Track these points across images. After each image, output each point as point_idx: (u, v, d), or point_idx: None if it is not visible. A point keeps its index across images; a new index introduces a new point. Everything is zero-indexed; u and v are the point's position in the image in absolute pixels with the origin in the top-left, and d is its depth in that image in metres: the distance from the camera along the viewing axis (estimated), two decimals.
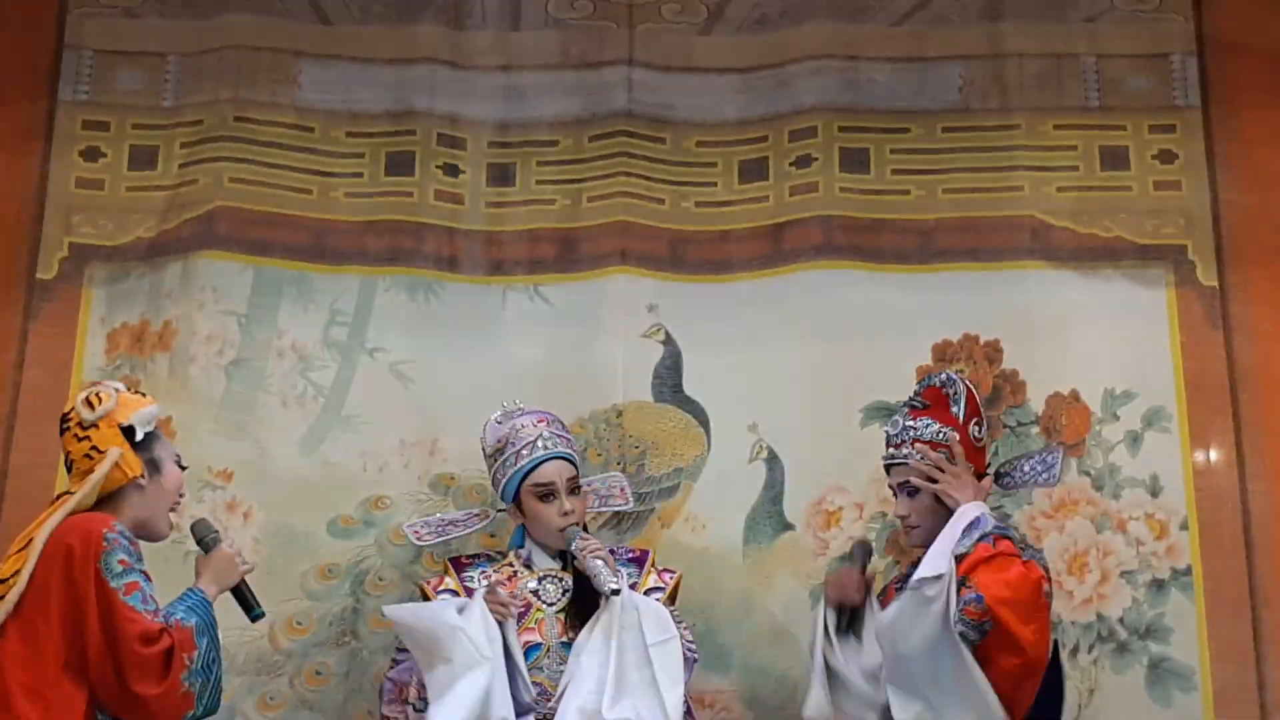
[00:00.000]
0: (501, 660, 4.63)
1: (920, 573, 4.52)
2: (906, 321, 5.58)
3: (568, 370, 5.60)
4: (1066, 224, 5.64)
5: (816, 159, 5.74)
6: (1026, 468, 4.90)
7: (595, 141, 5.83)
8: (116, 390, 4.49)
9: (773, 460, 5.55)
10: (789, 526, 5.48)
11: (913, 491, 4.79)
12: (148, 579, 4.26)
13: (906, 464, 4.80)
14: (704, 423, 5.60)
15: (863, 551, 4.91)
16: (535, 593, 4.91)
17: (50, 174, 5.77)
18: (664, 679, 4.60)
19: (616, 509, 5.25)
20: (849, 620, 4.81)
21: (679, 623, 4.84)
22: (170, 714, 4.22)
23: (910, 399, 4.91)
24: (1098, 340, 5.52)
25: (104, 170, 5.81)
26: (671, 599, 4.94)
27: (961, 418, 4.83)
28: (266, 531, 5.48)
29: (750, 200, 5.77)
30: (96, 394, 4.47)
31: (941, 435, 4.80)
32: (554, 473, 4.93)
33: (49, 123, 5.81)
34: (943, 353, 5.52)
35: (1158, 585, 5.35)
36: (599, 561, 4.73)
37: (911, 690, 4.50)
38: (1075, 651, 5.28)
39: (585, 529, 4.97)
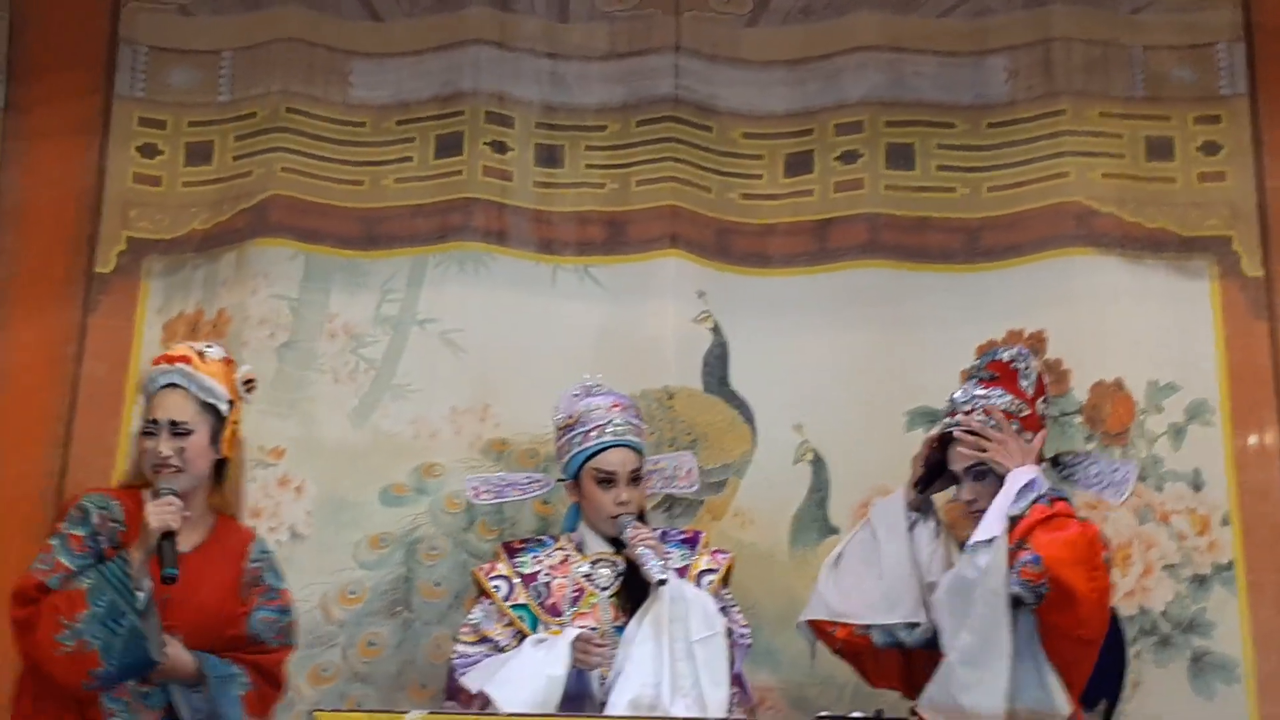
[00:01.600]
0: (554, 683, 4.62)
1: (975, 537, 4.50)
2: (952, 322, 5.57)
3: (619, 346, 5.62)
4: (1112, 210, 5.61)
5: (862, 154, 5.75)
6: (1094, 471, 4.79)
7: (642, 126, 5.85)
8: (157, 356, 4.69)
9: (818, 463, 5.57)
10: (834, 530, 5.50)
11: (980, 474, 4.68)
12: (67, 543, 4.41)
13: (975, 432, 4.69)
14: (749, 419, 5.63)
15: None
16: (588, 577, 4.91)
17: (107, 169, 5.84)
18: (706, 678, 4.59)
19: (681, 492, 5.23)
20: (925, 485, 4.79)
21: (731, 605, 4.86)
22: (58, 672, 4.31)
23: (976, 370, 4.82)
24: (1142, 329, 5.51)
25: (160, 167, 5.88)
26: (724, 581, 4.94)
27: (1031, 392, 4.75)
28: (318, 503, 5.52)
29: (795, 194, 5.78)
30: None
31: (1015, 406, 4.70)
32: (617, 461, 4.91)
33: (105, 117, 5.87)
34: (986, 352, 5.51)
35: (1200, 580, 5.35)
36: (649, 551, 4.73)
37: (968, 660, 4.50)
38: None
39: (642, 516, 4.95)
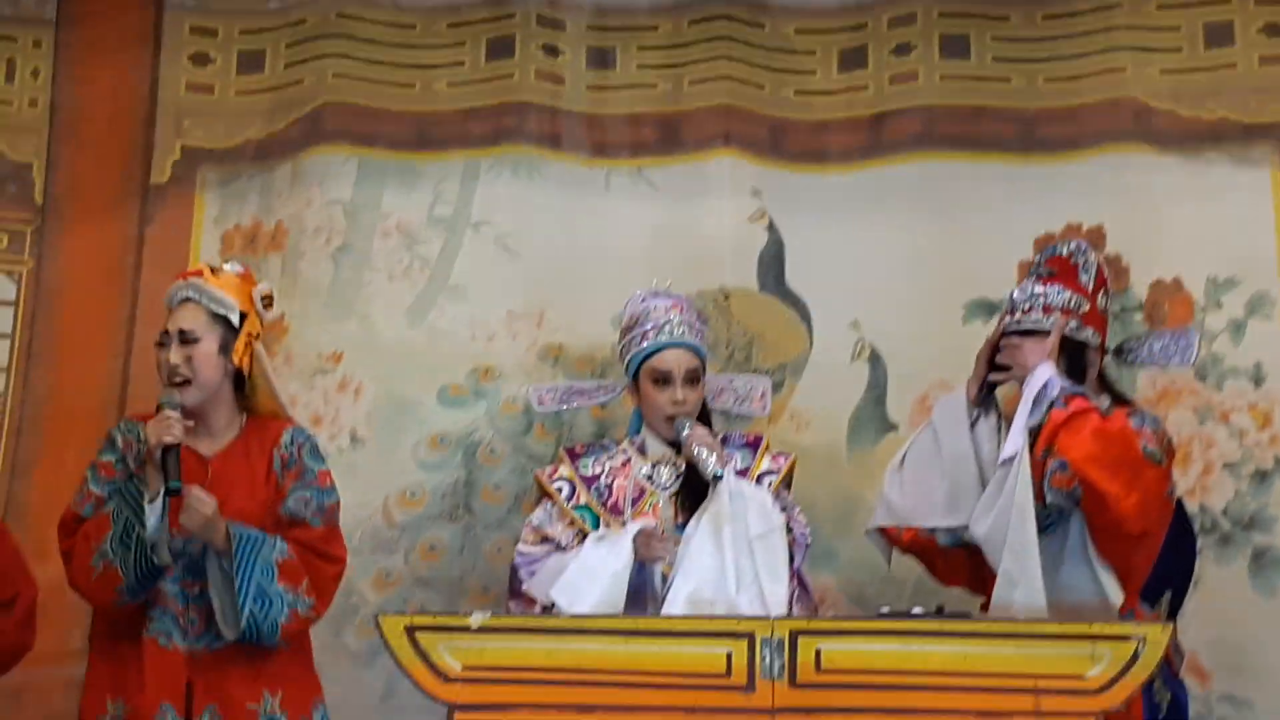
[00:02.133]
0: (619, 578, 4.64)
1: (1003, 455, 4.50)
2: (1008, 214, 5.55)
3: (674, 247, 5.61)
4: (1170, 107, 5.56)
5: (916, 47, 5.71)
6: (1158, 346, 4.79)
7: (694, 26, 5.82)
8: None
9: (875, 360, 5.57)
10: (893, 427, 5.50)
11: None
12: (97, 471, 4.54)
13: (1036, 330, 4.67)
14: (806, 318, 5.62)
15: None
16: (649, 478, 4.91)
17: (160, 79, 5.85)
18: (765, 574, 4.59)
19: (749, 414, 5.16)
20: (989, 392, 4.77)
21: (792, 506, 4.86)
22: (95, 594, 4.45)
23: (1035, 267, 4.81)
24: (1200, 226, 5.46)
25: (213, 75, 5.89)
26: (786, 483, 4.93)
27: (1090, 287, 4.73)
28: (377, 405, 5.55)
29: (849, 89, 5.75)
30: None
31: (1075, 302, 4.70)
32: (673, 360, 4.88)
33: (157, 27, 5.87)
34: (1044, 245, 5.35)
35: (1261, 476, 5.33)
36: (705, 449, 4.72)
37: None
38: None
39: (706, 418, 4.95)
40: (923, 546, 4.83)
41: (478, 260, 5.69)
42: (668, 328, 4.93)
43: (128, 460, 4.55)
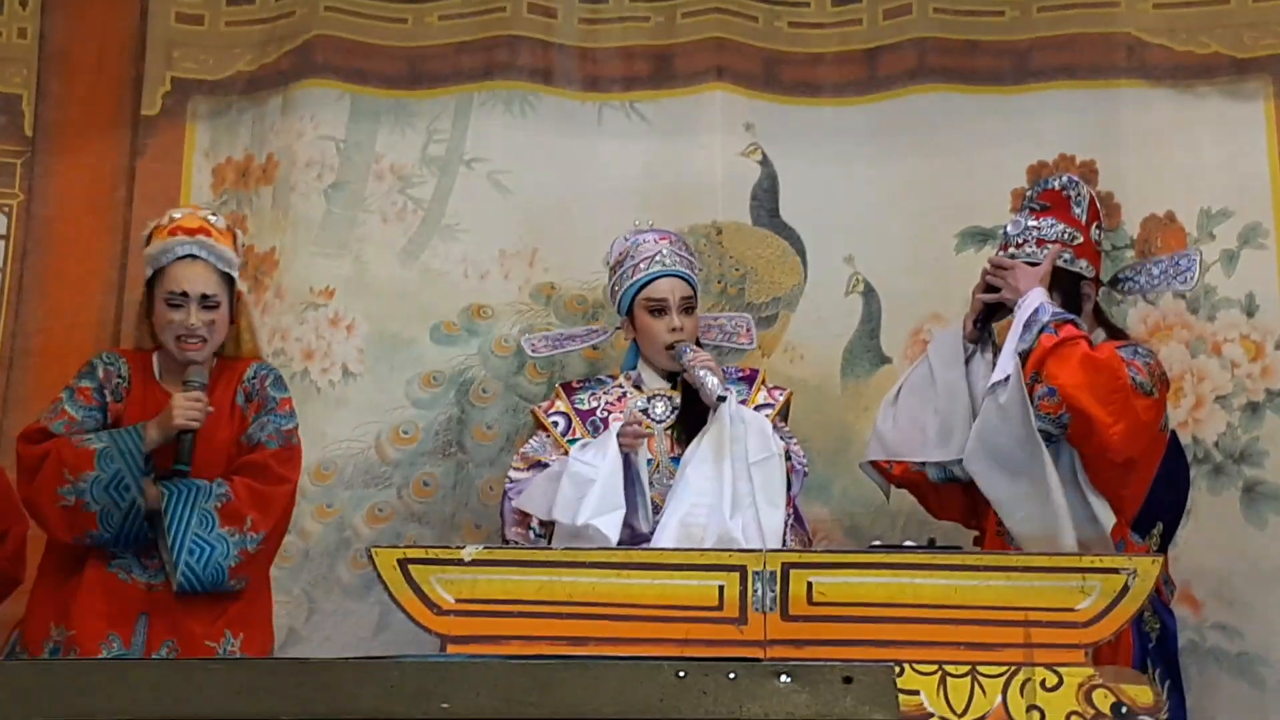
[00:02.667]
0: (613, 475, 4.67)
1: (992, 378, 4.51)
2: (1001, 144, 5.53)
3: (666, 183, 5.61)
4: (1163, 41, 5.53)
5: None
6: (1156, 270, 4.81)
7: None
8: (157, 223, 4.74)
9: (869, 294, 5.56)
10: (886, 360, 5.51)
11: None
12: (74, 394, 4.59)
13: (1031, 263, 4.68)
14: (800, 251, 5.61)
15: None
16: (645, 411, 4.93)
17: (149, 10, 5.80)
18: (762, 500, 4.59)
19: (739, 348, 5.21)
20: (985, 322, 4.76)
21: (789, 438, 4.86)
22: (54, 523, 4.49)
23: (1028, 201, 4.81)
24: (1194, 159, 5.44)
25: (203, 6, 5.85)
26: (783, 416, 4.95)
27: (1084, 219, 4.74)
28: (370, 341, 5.56)
29: (843, 23, 5.72)
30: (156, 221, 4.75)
31: (1069, 235, 4.70)
32: (667, 289, 4.91)
33: None
34: (1038, 174, 5.43)
35: (1253, 408, 5.32)
36: (707, 371, 4.73)
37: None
38: None
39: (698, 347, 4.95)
40: (914, 481, 4.85)
41: (470, 198, 5.68)
42: (659, 258, 4.95)
43: (104, 392, 4.61)
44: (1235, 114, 5.48)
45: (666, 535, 4.57)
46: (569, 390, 5.05)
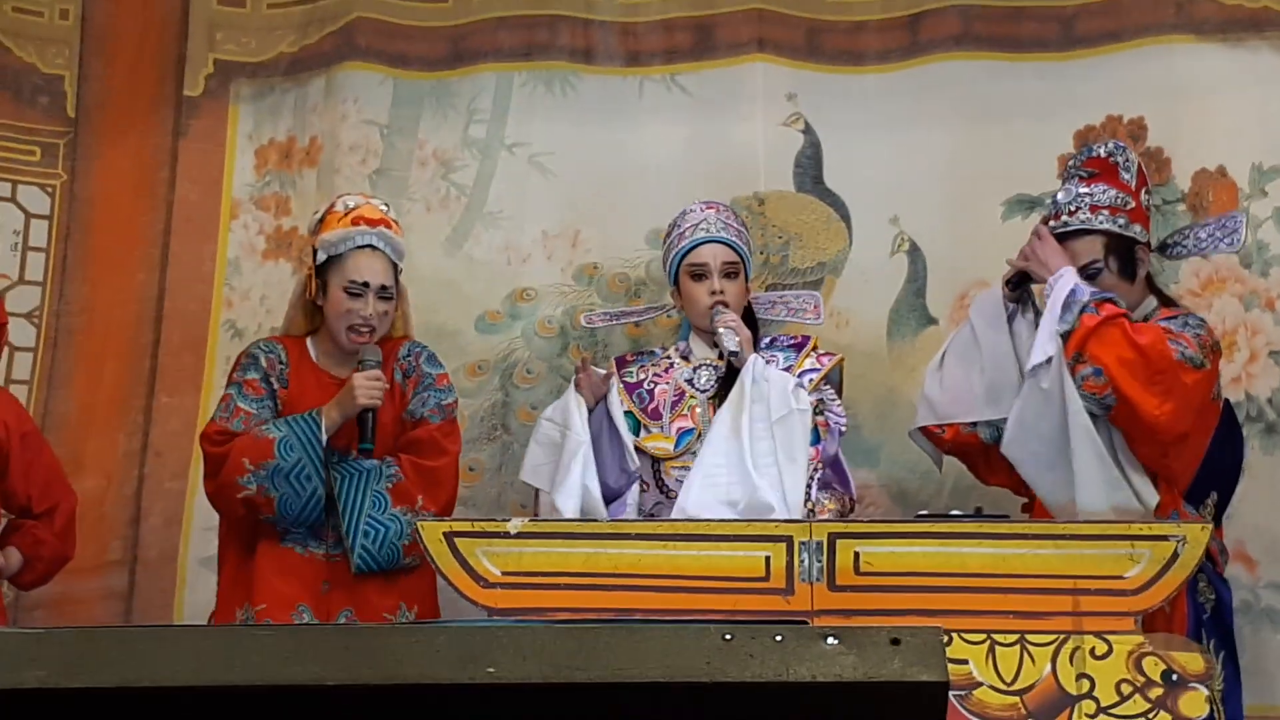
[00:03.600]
0: (574, 442, 4.73)
1: (1031, 360, 4.44)
2: (1047, 110, 5.47)
3: (708, 157, 5.58)
4: None
5: None
6: (1204, 234, 4.75)
7: None
8: (329, 208, 4.80)
9: (914, 253, 5.52)
10: (932, 320, 5.47)
11: (1093, 274, 4.59)
12: (243, 389, 4.67)
13: (1085, 230, 4.63)
14: (845, 216, 5.57)
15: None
16: (690, 381, 4.92)
17: None
18: (783, 456, 4.59)
19: (807, 322, 5.13)
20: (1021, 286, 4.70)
21: (831, 400, 4.82)
22: (239, 508, 4.59)
23: (1074, 169, 4.75)
24: (1244, 114, 5.36)
25: None
26: (832, 382, 4.89)
27: (1134, 184, 4.69)
28: (415, 332, 5.51)
29: None
30: (328, 205, 4.83)
31: (1120, 200, 4.65)
32: (709, 254, 4.90)
33: None
34: (1085, 138, 5.38)
35: None
36: (727, 330, 4.74)
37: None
38: None
39: (752, 320, 4.95)
40: (965, 446, 4.80)
41: (512, 182, 5.67)
42: (703, 225, 4.95)
43: (271, 380, 4.71)
44: None
45: (691, 497, 4.58)
46: (620, 364, 5.06)
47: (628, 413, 4.93)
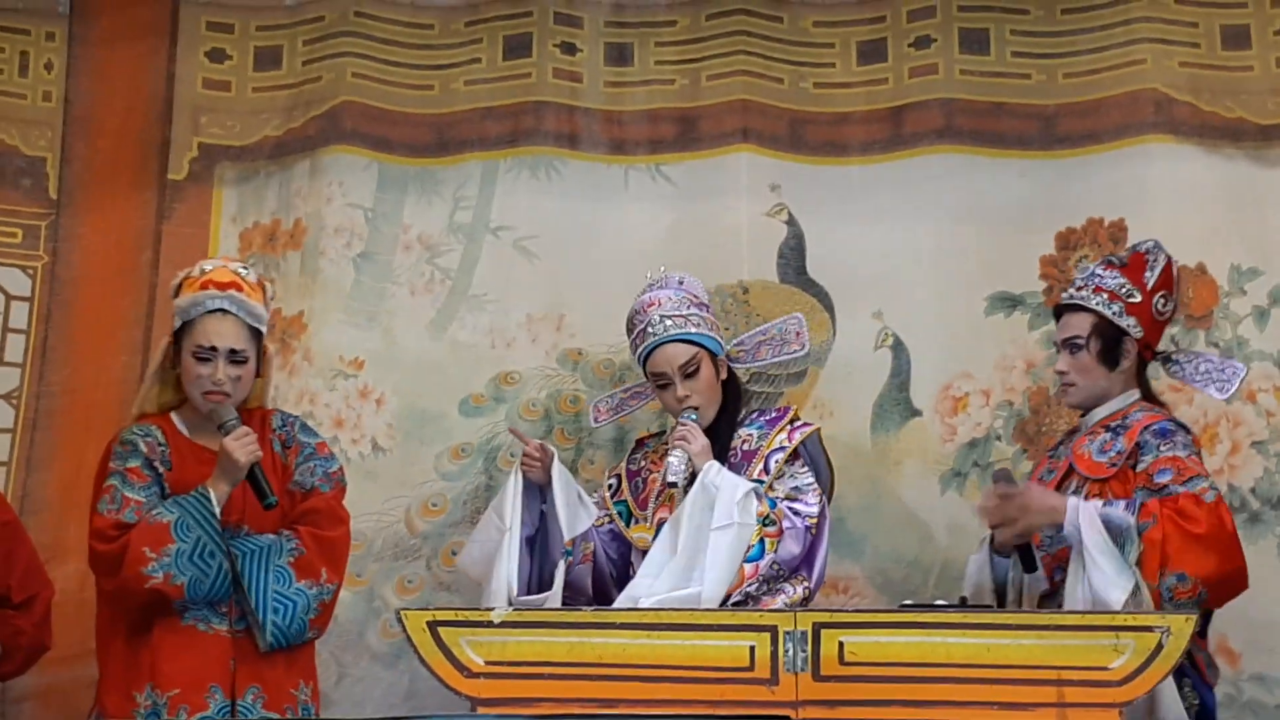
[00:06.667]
0: (504, 526, 4.80)
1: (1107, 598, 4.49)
2: (1029, 209, 5.55)
3: (692, 245, 5.60)
4: (1189, 99, 5.53)
5: (936, 40, 5.69)
6: (1204, 368, 4.83)
7: (712, 20, 5.80)
8: (186, 274, 4.74)
9: (898, 347, 5.56)
10: (916, 413, 5.50)
11: (1074, 348, 4.77)
12: (127, 478, 4.56)
13: (1082, 307, 4.77)
14: (828, 307, 5.61)
15: (1004, 477, 4.76)
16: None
17: (176, 74, 5.81)
18: (710, 565, 4.61)
19: (792, 357, 5.15)
20: (1025, 554, 4.72)
21: (805, 486, 4.83)
22: (148, 598, 4.48)
23: (1114, 256, 4.90)
24: (1222, 216, 5.45)
25: (230, 72, 5.86)
26: (807, 455, 4.90)
27: (1151, 284, 4.80)
28: (399, 416, 5.57)
29: (869, 82, 5.73)
30: (186, 272, 4.76)
31: (1125, 290, 4.77)
32: (664, 361, 4.90)
33: (173, 22, 5.83)
34: (1066, 240, 5.49)
35: None
36: (674, 453, 4.77)
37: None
38: None
39: (736, 397, 4.97)
40: None
41: (497, 266, 5.69)
42: (649, 328, 4.95)
43: (154, 464, 4.61)
44: (1262, 179, 5.49)
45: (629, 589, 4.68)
46: (637, 446, 5.14)
47: (621, 502, 4.98)
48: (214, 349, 4.61)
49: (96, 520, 4.56)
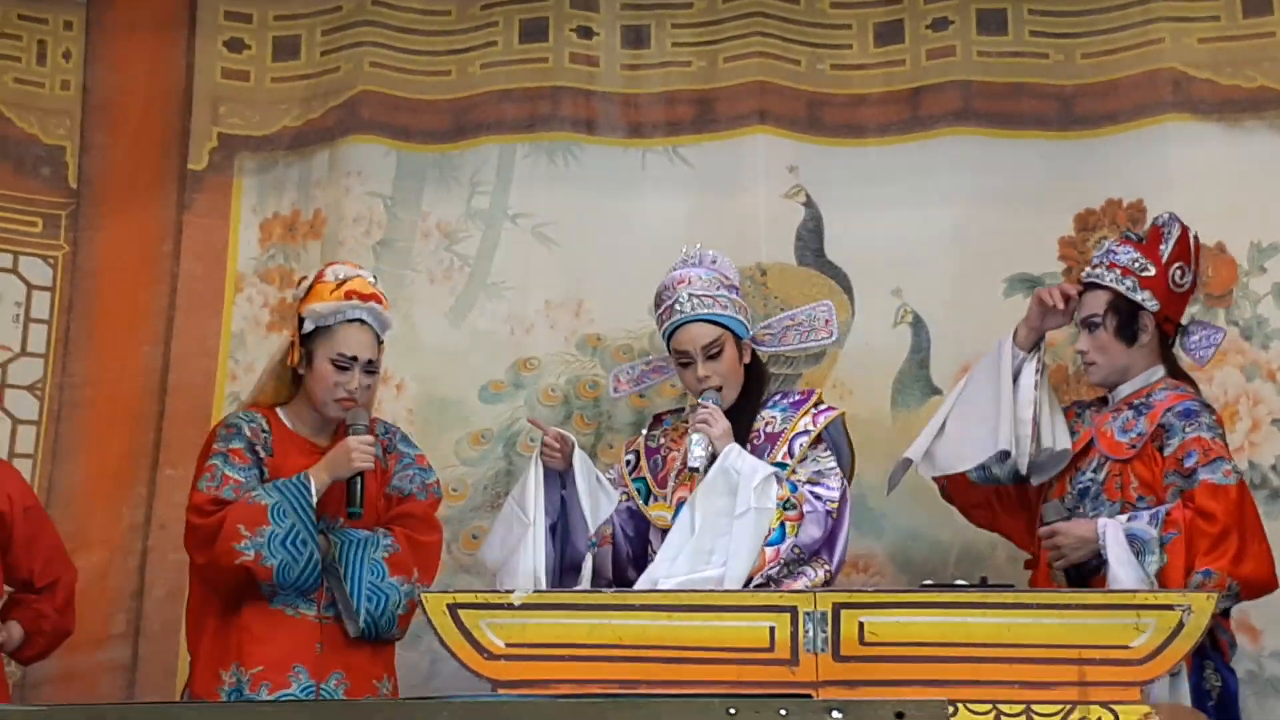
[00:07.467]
0: (526, 520, 4.78)
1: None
2: (1047, 191, 5.54)
3: (710, 228, 5.55)
4: (1208, 76, 5.51)
5: (953, 21, 5.68)
6: (1194, 338, 4.87)
7: (729, 2, 5.81)
8: (318, 276, 4.79)
9: (917, 324, 5.57)
10: (936, 391, 5.50)
11: (1092, 326, 4.79)
12: (229, 458, 4.64)
13: (1099, 285, 4.79)
14: (847, 289, 5.62)
15: (1053, 510, 4.78)
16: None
17: (195, 65, 5.84)
18: (733, 550, 4.63)
19: (820, 344, 5.14)
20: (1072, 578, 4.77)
21: (828, 470, 4.82)
22: (236, 576, 4.55)
23: (1127, 232, 4.94)
24: (1242, 193, 5.43)
25: (248, 62, 5.89)
26: (831, 440, 4.89)
27: (1166, 256, 4.80)
28: (419, 402, 5.59)
29: (886, 64, 5.73)
30: (315, 274, 4.82)
31: (1138, 265, 4.77)
32: (687, 340, 4.87)
33: (191, 13, 5.85)
34: (1085, 221, 5.49)
35: None
36: (695, 436, 4.76)
37: None
38: None
39: (760, 380, 4.95)
40: (955, 486, 4.94)
41: (515, 253, 5.71)
42: (677, 306, 4.91)
43: (256, 449, 4.69)
44: None
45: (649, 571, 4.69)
46: (655, 422, 5.12)
47: (640, 479, 4.97)
48: (354, 359, 4.69)
49: (195, 496, 4.65)
